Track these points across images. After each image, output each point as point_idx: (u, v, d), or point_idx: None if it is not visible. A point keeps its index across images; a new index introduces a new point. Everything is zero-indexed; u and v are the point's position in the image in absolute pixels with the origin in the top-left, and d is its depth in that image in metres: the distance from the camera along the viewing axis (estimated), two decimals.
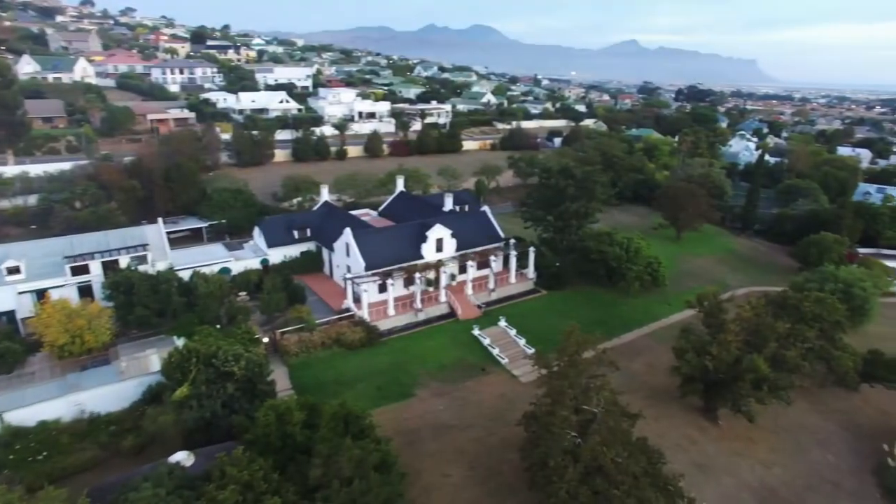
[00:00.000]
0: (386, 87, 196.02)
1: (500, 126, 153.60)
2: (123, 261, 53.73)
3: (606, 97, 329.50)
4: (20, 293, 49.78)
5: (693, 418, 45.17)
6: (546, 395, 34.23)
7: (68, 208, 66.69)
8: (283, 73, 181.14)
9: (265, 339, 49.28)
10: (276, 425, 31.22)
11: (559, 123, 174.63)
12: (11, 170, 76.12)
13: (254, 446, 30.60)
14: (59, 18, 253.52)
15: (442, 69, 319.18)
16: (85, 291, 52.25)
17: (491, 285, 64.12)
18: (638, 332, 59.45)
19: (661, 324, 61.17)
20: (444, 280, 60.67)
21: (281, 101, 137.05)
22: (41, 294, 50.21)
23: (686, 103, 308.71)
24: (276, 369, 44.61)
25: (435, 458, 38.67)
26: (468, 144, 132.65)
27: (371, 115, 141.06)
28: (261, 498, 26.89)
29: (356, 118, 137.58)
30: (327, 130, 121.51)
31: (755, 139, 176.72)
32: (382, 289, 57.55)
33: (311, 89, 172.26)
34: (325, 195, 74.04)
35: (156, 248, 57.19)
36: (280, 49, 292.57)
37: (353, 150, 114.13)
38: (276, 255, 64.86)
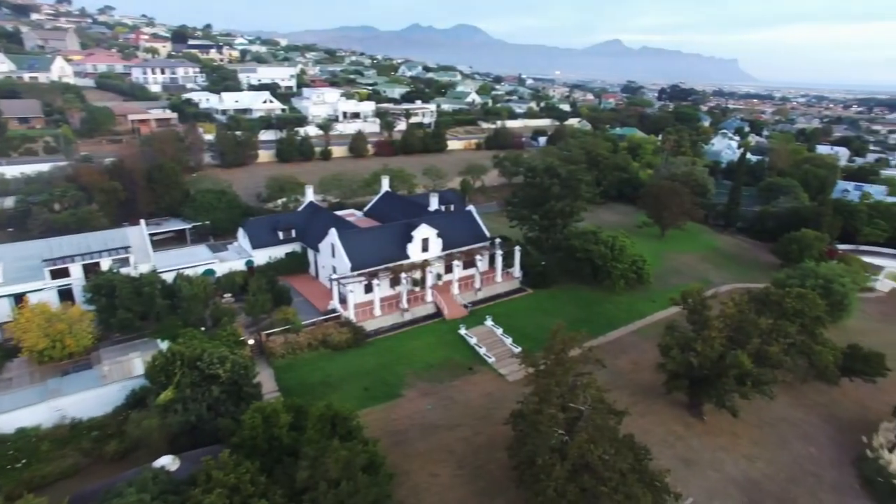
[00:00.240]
0: (370, 87, 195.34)
1: (485, 125, 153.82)
2: (105, 263, 53.02)
3: (590, 96, 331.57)
4: None
5: (678, 414, 45.63)
6: (533, 393, 34.30)
7: (47, 210, 65.59)
8: (266, 73, 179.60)
9: (251, 341, 48.87)
10: (262, 428, 30.97)
11: (544, 123, 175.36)
12: None
13: (240, 449, 30.33)
14: (35, 16, 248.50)
15: (426, 69, 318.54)
16: (65, 295, 51.46)
17: (477, 285, 64.21)
18: (623, 329, 59.88)
19: (647, 321, 61.68)
20: (430, 280, 60.64)
21: (264, 102, 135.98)
22: (19, 298, 49.27)
23: (669, 102, 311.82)
24: (262, 371, 44.38)
25: (423, 458, 38.64)
26: (453, 144, 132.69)
27: (355, 115, 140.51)
28: (248, 501, 26.63)
29: (340, 118, 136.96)
30: (311, 131, 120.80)
31: (737, 138, 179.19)
32: (368, 289, 57.38)
33: (294, 89, 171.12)
34: (310, 196, 73.63)
35: (138, 251, 56.49)
36: (263, 49, 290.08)
37: (338, 151, 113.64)
38: (261, 257, 64.37)
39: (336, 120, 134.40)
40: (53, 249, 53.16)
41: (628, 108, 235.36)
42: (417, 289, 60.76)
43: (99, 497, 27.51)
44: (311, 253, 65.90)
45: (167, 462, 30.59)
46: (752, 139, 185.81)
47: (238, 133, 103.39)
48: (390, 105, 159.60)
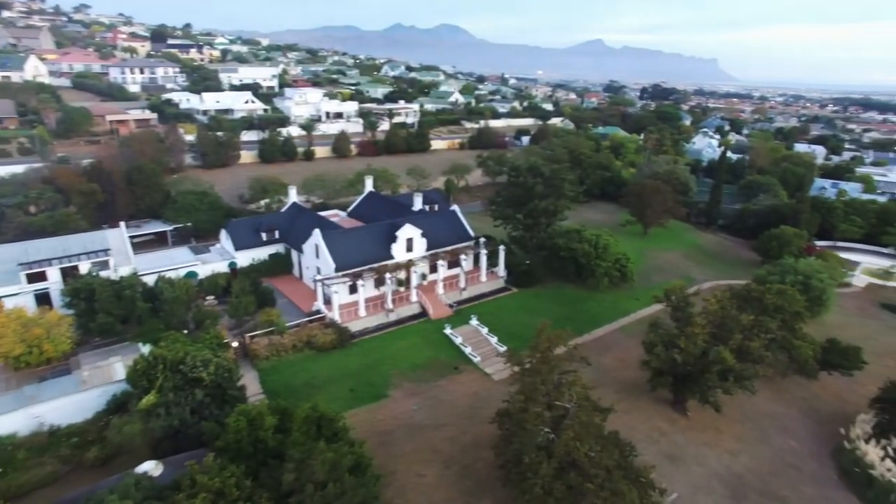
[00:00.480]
0: (353, 87, 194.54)
1: (469, 125, 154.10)
2: (84, 267, 52.11)
3: (573, 96, 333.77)
4: None
5: (663, 410, 46.10)
6: (519, 392, 34.39)
7: (22, 213, 64.23)
8: (247, 73, 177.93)
9: (234, 344, 48.38)
10: (247, 431, 30.63)
11: (527, 122, 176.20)
12: None
13: (225, 453, 29.97)
14: (6, 14, 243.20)
15: (409, 69, 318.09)
16: (42, 299, 50.47)
17: (462, 284, 64.25)
18: (608, 327, 60.34)
19: (631, 318, 62.23)
20: (414, 280, 60.55)
21: (246, 102, 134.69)
22: None
23: (651, 102, 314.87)
24: (246, 374, 43.99)
25: (409, 459, 38.56)
26: (437, 144, 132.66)
27: (338, 116, 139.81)
28: None
29: (323, 118, 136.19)
30: (294, 131, 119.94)
31: (717, 136, 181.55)
32: (353, 290, 57.12)
33: (276, 89, 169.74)
34: (294, 196, 73.09)
35: (118, 253, 55.64)
36: (244, 48, 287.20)
37: (321, 151, 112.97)
38: (244, 258, 63.74)
39: (319, 120, 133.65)
40: (30, 253, 52.07)
41: (611, 108, 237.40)
42: (402, 289, 60.64)
43: None
44: (294, 254, 65.42)
45: (150, 467, 30.13)
46: (733, 138, 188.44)
47: (220, 134, 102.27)
48: (373, 105, 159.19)
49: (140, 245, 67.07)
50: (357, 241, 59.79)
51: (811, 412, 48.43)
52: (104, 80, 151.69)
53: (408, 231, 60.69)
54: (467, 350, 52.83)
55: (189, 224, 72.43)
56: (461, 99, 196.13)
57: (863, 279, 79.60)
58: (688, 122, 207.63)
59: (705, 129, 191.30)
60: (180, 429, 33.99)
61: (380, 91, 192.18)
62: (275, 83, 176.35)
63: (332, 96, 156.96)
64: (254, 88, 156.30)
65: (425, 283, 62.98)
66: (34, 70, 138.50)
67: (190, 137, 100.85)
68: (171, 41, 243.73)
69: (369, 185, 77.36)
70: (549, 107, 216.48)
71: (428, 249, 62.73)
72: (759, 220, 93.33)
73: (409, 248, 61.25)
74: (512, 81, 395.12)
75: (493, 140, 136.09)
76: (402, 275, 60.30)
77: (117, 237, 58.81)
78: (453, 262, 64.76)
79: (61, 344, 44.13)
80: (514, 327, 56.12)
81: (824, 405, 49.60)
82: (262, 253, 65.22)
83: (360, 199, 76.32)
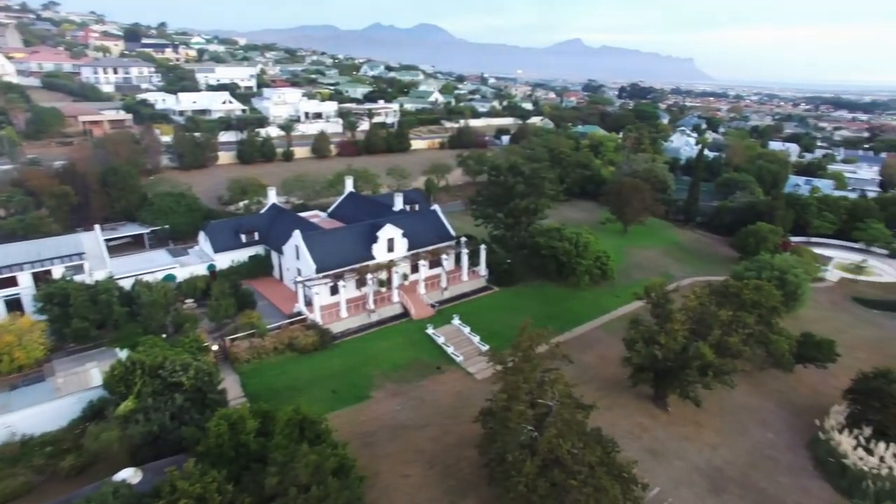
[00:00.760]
0: (332, 87, 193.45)
1: (449, 125, 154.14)
2: (57, 271, 50.93)
3: (552, 95, 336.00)
4: None
5: (644, 406, 46.62)
6: (502, 390, 34.49)
7: None
8: (225, 73, 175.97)
9: (215, 347, 47.74)
10: (228, 435, 30.28)
11: (507, 121, 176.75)
12: None
13: (206, 458, 29.60)
14: None
15: (389, 68, 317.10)
16: (13, 305, 49.27)
17: (443, 284, 64.23)
18: (589, 324, 60.80)
19: (612, 316, 62.81)
20: (396, 280, 60.39)
21: (224, 102, 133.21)
22: None
23: (629, 101, 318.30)
24: (227, 377, 43.53)
25: (393, 459, 38.45)
26: (417, 143, 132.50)
27: (318, 116, 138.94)
28: None
29: (302, 119, 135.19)
30: (273, 131, 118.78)
31: (695, 135, 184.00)
32: (334, 291, 56.79)
33: (255, 89, 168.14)
34: (273, 197, 72.41)
35: (93, 257, 54.55)
36: (221, 48, 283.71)
37: (300, 151, 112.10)
38: (224, 260, 62.97)
39: (298, 120, 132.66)
40: None
41: (590, 107, 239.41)
42: (384, 289, 60.44)
43: None
44: (275, 255, 64.81)
45: (129, 475, 29.62)
46: (709, 136, 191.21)
47: (197, 134, 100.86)
48: (353, 105, 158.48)
49: (116, 248, 65.98)
50: (338, 242, 59.44)
51: (787, 404, 49.41)
52: (76, 79, 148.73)
53: (389, 231, 60.51)
54: (450, 350, 52.83)
55: (166, 226, 71.36)
56: (441, 98, 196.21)
57: (835, 274, 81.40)
58: (665, 121, 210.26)
59: (683, 128, 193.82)
60: (160, 434, 33.45)
61: (359, 91, 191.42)
62: (253, 83, 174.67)
63: (311, 96, 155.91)
64: (231, 89, 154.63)
65: (407, 283, 62.84)
66: (0, 69, 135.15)
67: (166, 138, 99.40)
68: (145, 40, 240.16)
69: (349, 185, 76.97)
70: (528, 106, 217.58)
71: (409, 249, 62.61)
72: (736, 217, 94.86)
73: (391, 249, 61.08)
74: (491, 81, 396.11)
75: (474, 139, 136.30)
76: (383, 275, 60.08)
77: (92, 240, 57.65)
78: (435, 262, 64.73)
79: (34, 351, 43.09)
80: (496, 326, 56.25)
81: (800, 397, 50.64)
82: (241, 255, 64.49)
83: (340, 200, 75.88)
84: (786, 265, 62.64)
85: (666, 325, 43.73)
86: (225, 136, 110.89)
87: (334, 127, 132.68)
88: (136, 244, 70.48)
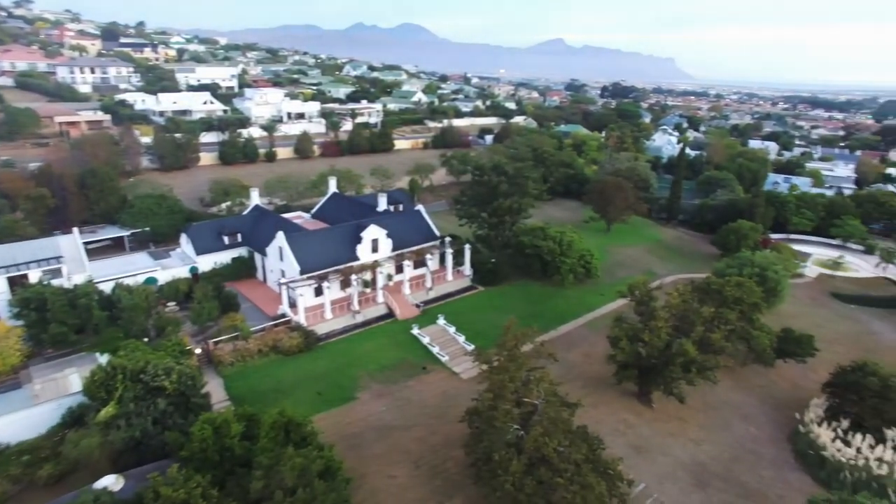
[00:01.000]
0: (315, 87, 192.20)
1: (432, 124, 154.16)
2: (34, 275, 49.99)
3: (535, 94, 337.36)
4: None
5: (629, 403, 47.02)
6: (487, 390, 34.54)
7: None
8: (205, 73, 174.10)
9: (198, 351, 47.27)
10: (213, 439, 29.91)
11: (490, 121, 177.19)
12: None
13: (190, 463, 29.21)
14: None
15: (371, 68, 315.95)
16: None
17: (428, 284, 64.18)
18: (574, 323, 61.14)
19: (596, 314, 63.22)
20: (380, 281, 60.23)
21: (205, 103, 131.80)
22: None
23: (611, 100, 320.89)
24: (210, 381, 42.99)
25: (380, 460, 38.33)
26: (400, 143, 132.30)
27: (300, 116, 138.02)
28: None
29: (285, 119, 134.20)
30: (255, 132, 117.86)
31: (676, 133, 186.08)
32: (318, 292, 56.46)
33: (236, 90, 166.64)
34: (256, 198, 71.79)
35: (72, 260, 53.57)
36: (202, 48, 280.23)
37: (283, 152, 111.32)
38: (206, 263, 62.29)
39: (280, 121, 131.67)
40: None
41: (572, 106, 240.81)
42: (368, 290, 60.23)
43: None
44: (258, 257, 64.24)
45: (110, 482, 29.14)
46: (690, 135, 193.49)
47: (178, 135, 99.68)
48: (336, 105, 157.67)
49: (96, 251, 64.87)
50: (322, 243, 59.09)
51: (769, 399, 50.16)
52: (51, 79, 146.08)
53: (373, 232, 60.30)
54: (435, 350, 52.80)
55: (147, 229, 70.40)
56: (424, 98, 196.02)
57: (814, 270, 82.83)
58: (647, 120, 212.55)
59: (664, 127, 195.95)
60: (142, 440, 32.96)
61: (342, 91, 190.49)
62: (234, 83, 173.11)
63: (293, 96, 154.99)
64: (212, 89, 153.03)
65: (391, 283, 62.69)
66: None
67: (146, 139, 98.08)
68: (123, 40, 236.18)
69: (333, 185, 76.54)
70: (511, 106, 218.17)
71: (393, 250, 62.45)
72: (718, 214, 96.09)
73: (375, 249, 60.87)
74: (474, 80, 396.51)
75: (457, 139, 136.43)
76: (367, 276, 59.88)
77: (70, 244, 56.61)
78: (419, 262, 64.65)
79: (10, 357, 42.28)
80: (482, 326, 56.34)
81: (781, 392, 51.44)
82: (224, 257, 63.85)
83: (323, 201, 75.43)
84: (766, 262, 63.56)
85: (650, 322, 44.16)
86: (206, 137, 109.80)
87: (317, 127, 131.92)
88: (116, 247, 69.38)
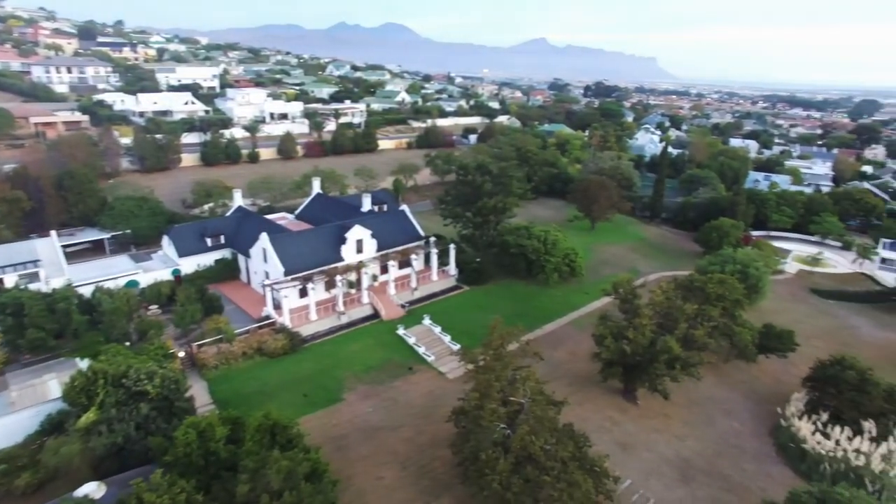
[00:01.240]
0: (297, 87, 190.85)
1: (416, 124, 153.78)
2: (10, 279, 49.13)
3: (519, 94, 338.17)
4: None
5: (614, 400, 47.38)
6: (474, 389, 34.55)
7: None
8: (186, 73, 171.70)
9: (181, 354, 46.68)
10: (197, 443, 29.54)
11: (474, 121, 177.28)
12: None
13: (174, 468, 28.82)
14: None
15: (355, 68, 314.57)
16: None
17: (413, 284, 64.08)
18: (559, 321, 61.45)
19: (581, 312, 63.59)
20: (365, 281, 60.00)
21: (186, 103, 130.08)
22: None
23: (594, 99, 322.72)
24: (194, 384, 42.49)
25: (366, 462, 38.20)
26: (384, 143, 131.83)
27: (283, 116, 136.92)
28: None
29: (268, 119, 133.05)
30: (238, 133, 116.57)
31: (659, 132, 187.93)
32: (303, 293, 56.11)
33: (218, 90, 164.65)
34: (239, 200, 71.11)
35: (50, 264, 52.73)
36: (182, 47, 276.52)
37: (266, 153, 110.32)
38: (189, 265, 61.60)
39: (263, 121, 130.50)
40: None
41: (556, 105, 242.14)
42: (353, 291, 59.98)
43: None
44: (241, 259, 63.65)
45: (91, 489, 28.65)
46: (673, 133, 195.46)
47: (158, 136, 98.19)
48: (319, 105, 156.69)
49: (75, 255, 63.78)
50: (306, 244, 58.73)
51: (751, 394, 50.88)
52: (26, 79, 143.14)
53: (357, 232, 60.07)
54: (421, 350, 52.74)
55: (128, 231, 69.32)
56: (408, 98, 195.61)
57: (794, 266, 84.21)
58: (630, 119, 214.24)
59: (647, 126, 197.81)
60: (125, 445, 32.44)
61: (325, 91, 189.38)
62: (216, 83, 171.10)
63: (276, 97, 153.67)
64: (194, 89, 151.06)
65: (376, 284, 62.47)
66: None
67: (126, 140, 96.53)
68: (101, 39, 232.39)
69: (317, 186, 76.08)
70: (495, 105, 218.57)
71: (378, 250, 62.27)
72: (700, 212, 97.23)
73: (359, 250, 60.65)
74: (458, 80, 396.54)
75: (441, 139, 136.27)
76: (352, 276, 59.63)
77: (48, 247, 55.69)
78: (404, 263, 64.54)
79: None
80: (467, 325, 56.40)
81: (763, 387, 52.21)
82: (207, 259, 63.19)
83: (307, 202, 74.95)
84: (747, 259, 64.46)
85: (634, 320, 44.53)
86: (188, 138, 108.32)
87: (300, 128, 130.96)
88: (95, 250, 68.22)
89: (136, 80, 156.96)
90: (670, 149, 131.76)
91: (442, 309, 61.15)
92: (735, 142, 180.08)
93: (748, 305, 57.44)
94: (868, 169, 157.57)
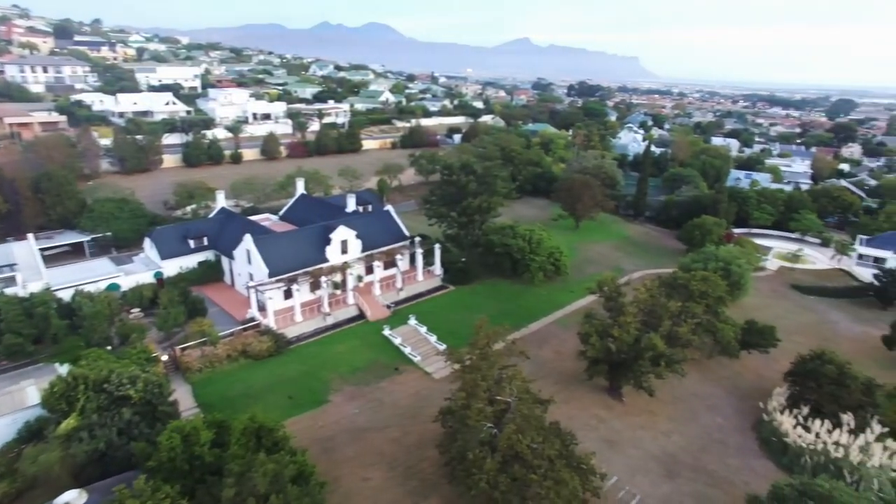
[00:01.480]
0: (280, 87, 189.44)
1: (400, 124, 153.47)
2: None
3: (503, 94, 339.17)
4: None
5: (600, 398, 47.70)
6: (460, 389, 34.55)
7: None
8: (167, 73, 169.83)
9: (164, 357, 46.04)
10: (181, 448, 29.13)
11: (458, 120, 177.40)
12: None
13: (158, 473, 28.39)
14: None
15: (338, 68, 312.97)
16: None
17: (399, 284, 63.94)
18: (544, 320, 61.69)
19: (566, 311, 63.90)
20: (350, 282, 59.74)
21: (167, 103, 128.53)
22: None
23: (577, 98, 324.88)
24: (178, 388, 41.99)
25: (353, 463, 38.04)
26: (368, 144, 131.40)
27: (266, 117, 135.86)
28: None
29: (250, 120, 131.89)
30: (220, 133, 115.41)
31: (642, 131, 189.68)
32: (288, 295, 55.70)
33: (199, 90, 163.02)
34: (222, 201, 70.45)
35: (27, 268, 51.74)
36: (163, 47, 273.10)
37: (249, 153, 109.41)
38: (171, 267, 60.83)
39: (246, 122, 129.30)
40: None
41: (539, 105, 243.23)
42: (338, 292, 59.69)
43: None
44: (225, 261, 63.02)
45: (72, 497, 28.12)
46: (655, 132, 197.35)
47: (139, 137, 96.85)
48: (302, 105, 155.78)
49: (54, 258, 62.67)
50: (290, 245, 58.32)
51: (734, 389, 51.53)
52: None
53: (342, 233, 59.80)
54: (407, 350, 52.64)
55: (108, 234, 68.31)
56: (392, 98, 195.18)
57: (775, 263, 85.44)
58: (613, 118, 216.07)
59: (630, 125, 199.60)
60: (107, 452, 31.88)
61: (308, 91, 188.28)
62: (197, 84, 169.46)
63: (258, 97, 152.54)
64: (174, 89, 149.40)
65: (362, 284, 62.22)
66: None
67: (105, 141, 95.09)
68: (78, 38, 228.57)
69: (301, 187, 75.62)
70: (479, 105, 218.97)
71: (363, 251, 62.06)
72: (683, 210, 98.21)
73: (344, 250, 60.37)
74: (442, 80, 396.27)
75: (425, 139, 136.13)
76: (337, 277, 59.33)
77: (25, 250, 54.68)
78: (389, 263, 64.37)
79: None
80: (453, 325, 56.40)
81: (746, 382, 52.91)
82: (190, 261, 62.47)
83: (291, 202, 74.43)
84: (730, 256, 65.27)
85: (619, 318, 44.86)
86: (169, 139, 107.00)
87: (283, 128, 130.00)
88: (75, 253, 67.09)
89: (116, 80, 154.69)
90: (653, 148, 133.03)
91: (428, 309, 61.09)
92: (717, 140, 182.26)
93: (731, 302, 58.16)
94: (845, 167, 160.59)
